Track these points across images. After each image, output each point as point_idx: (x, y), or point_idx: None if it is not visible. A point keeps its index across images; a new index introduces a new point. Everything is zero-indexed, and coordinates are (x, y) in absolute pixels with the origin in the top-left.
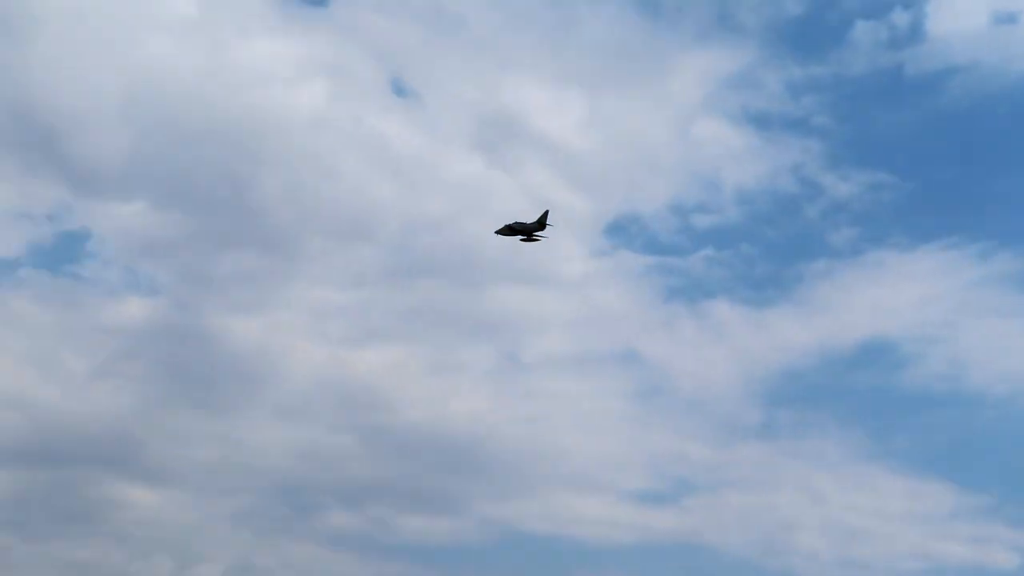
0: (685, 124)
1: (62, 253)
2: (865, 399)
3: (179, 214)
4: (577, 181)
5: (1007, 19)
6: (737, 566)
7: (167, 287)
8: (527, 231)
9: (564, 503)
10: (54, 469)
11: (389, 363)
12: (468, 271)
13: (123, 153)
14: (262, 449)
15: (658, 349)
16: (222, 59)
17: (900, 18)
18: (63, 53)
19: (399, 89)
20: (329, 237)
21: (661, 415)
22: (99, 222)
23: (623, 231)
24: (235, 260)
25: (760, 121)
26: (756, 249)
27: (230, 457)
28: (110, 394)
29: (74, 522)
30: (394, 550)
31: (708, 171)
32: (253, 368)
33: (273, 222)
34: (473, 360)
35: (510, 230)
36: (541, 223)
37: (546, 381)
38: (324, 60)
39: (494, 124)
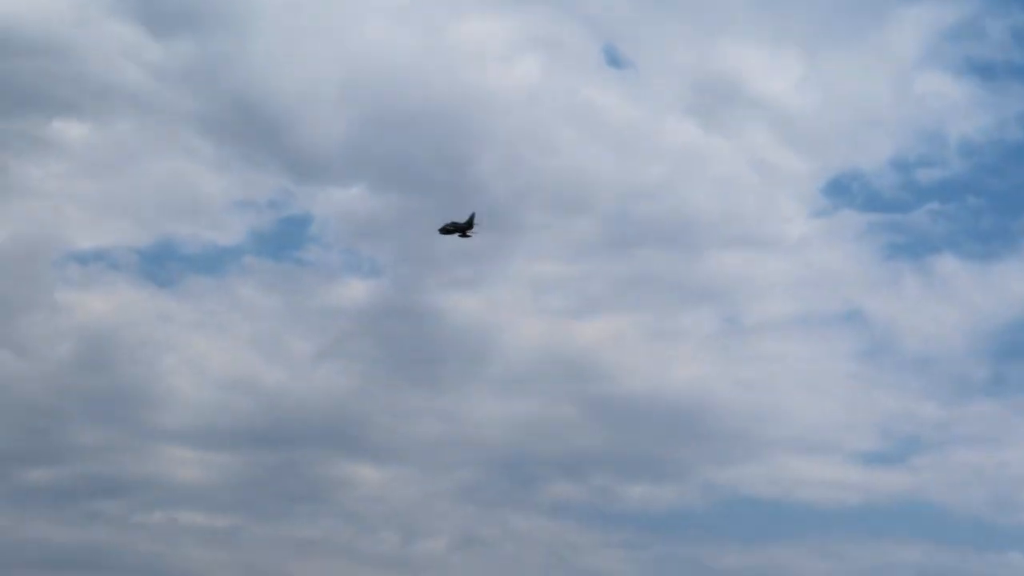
0: (905, 78)
1: (284, 239)
2: None
3: (397, 195)
4: (796, 141)
5: None
6: (967, 525)
7: (387, 267)
8: (461, 229)
9: (789, 466)
10: (282, 450)
11: (609, 333)
12: (686, 237)
13: (341, 138)
14: (484, 423)
15: (882, 307)
16: (436, 39)
17: None
18: (281, 43)
19: (612, 59)
20: (547, 210)
21: (887, 374)
22: (320, 207)
23: (844, 189)
24: (454, 238)
25: (984, 71)
26: (982, 201)
27: (453, 432)
28: (335, 375)
29: (302, 501)
30: (617, 518)
31: (931, 124)
32: (474, 344)
33: (491, 198)
34: (693, 326)
35: (446, 230)
36: (470, 223)
37: (768, 344)
38: (536, 34)
39: (710, 88)
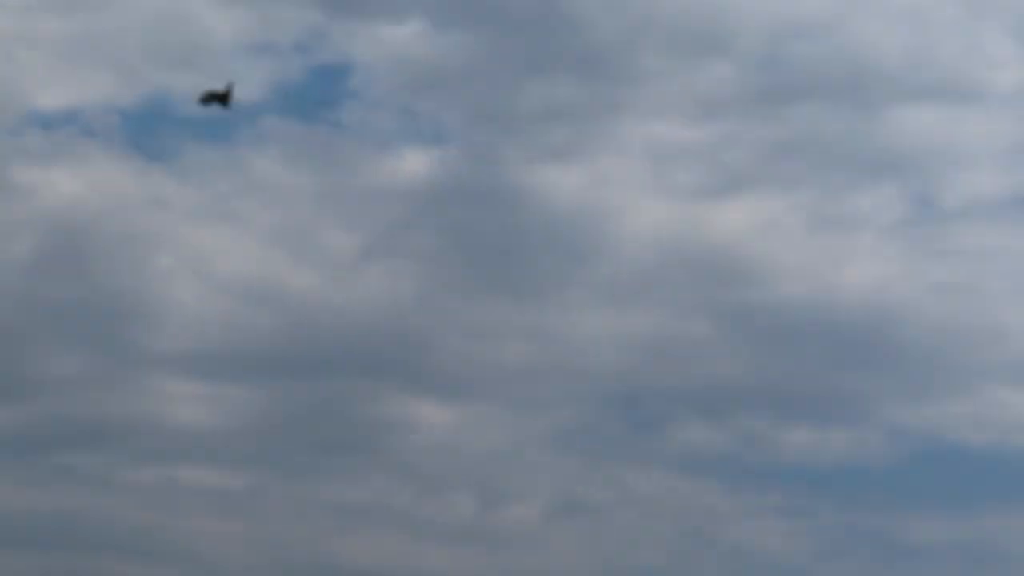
0: None
1: (316, 94)
2: None
3: (468, 34)
4: None
5: None
6: None
7: (455, 132)
8: (220, 98)
9: (1006, 402)
10: (314, 381)
11: (756, 219)
12: (860, 90)
13: None
14: (588, 344)
15: None
16: None
17: None
18: None
19: None
20: (669, 53)
21: None
22: (363, 51)
23: None
24: (544, 91)
25: None
26: None
27: (545, 357)
28: (384, 279)
29: (343, 452)
30: (772, 474)
31: None
32: (572, 234)
33: (593, 37)
34: (872, 210)
35: (204, 100)
36: (228, 93)
37: (974, 234)
38: None
39: None
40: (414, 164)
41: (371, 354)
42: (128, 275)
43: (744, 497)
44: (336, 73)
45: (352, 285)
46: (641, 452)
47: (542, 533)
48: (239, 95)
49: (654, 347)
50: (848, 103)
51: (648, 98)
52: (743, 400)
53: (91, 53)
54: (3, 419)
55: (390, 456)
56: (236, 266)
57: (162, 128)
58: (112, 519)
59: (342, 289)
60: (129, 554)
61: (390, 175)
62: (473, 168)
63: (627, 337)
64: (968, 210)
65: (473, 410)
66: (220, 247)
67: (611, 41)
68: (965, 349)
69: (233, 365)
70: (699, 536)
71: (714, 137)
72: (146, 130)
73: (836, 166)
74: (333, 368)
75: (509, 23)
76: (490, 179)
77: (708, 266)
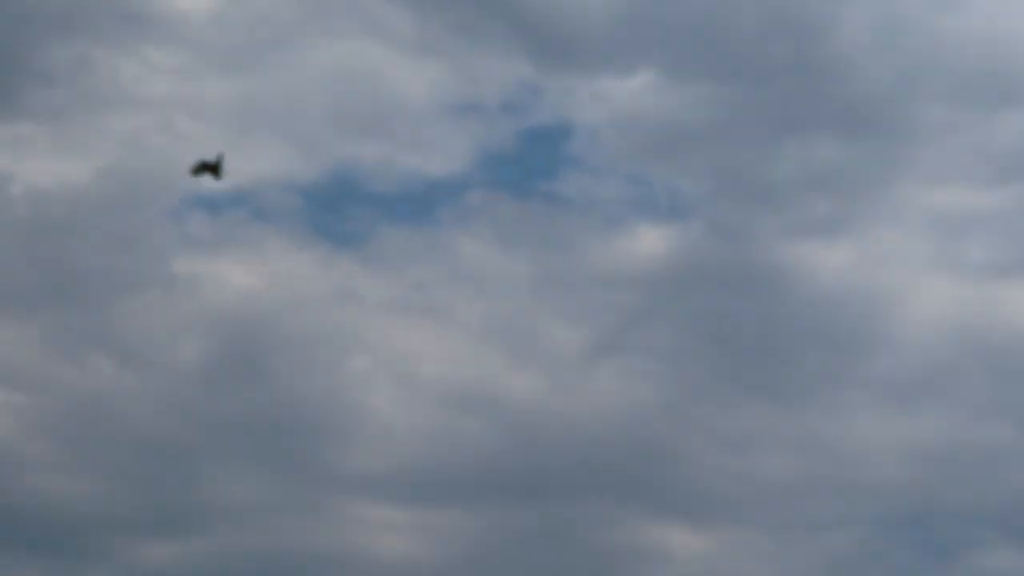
0: None
1: (530, 162)
2: None
3: (709, 87)
4: None
5: None
6: None
7: (697, 204)
8: (211, 169)
9: None
10: (539, 504)
11: None
12: None
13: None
14: (866, 454)
15: None
16: None
17: None
18: None
19: None
20: (955, 103)
21: None
22: (584, 110)
23: None
24: (803, 153)
25: None
26: None
27: (815, 471)
28: (618, 380)
29: None
30: None
31: None
32: (842, 322)
33: (862, 87)
34: None
35: (196, 171)
36: (219, 164)
37: None
38: None
39: None
40: (649, 243)
41: (606, 470)
42: (314, 382)
43: None
44: (552, 137)
45: (580, 388)
46: None
47: None
48: (437, 166)
49: (946, 456)
50: None
51: (930, 158)
52: None
53: (263, 121)
54: (169, 557)
55: None
56: (442, 369)
57: (349, 208)
58: None
59: (568, 393)
60: None
61: (621, 257)
62: (720, 246)
63: (913, 444)
64: None
65: (730, 536)
66: (423, 347)
67: (883, 91)
68: None
69: (442, 487)
70: None
71: (1012, 203)
72: (331, 211)
73: None
74: (561, 488)
75: (758, 73)
76: (741, 259)
77: (1009, 357)
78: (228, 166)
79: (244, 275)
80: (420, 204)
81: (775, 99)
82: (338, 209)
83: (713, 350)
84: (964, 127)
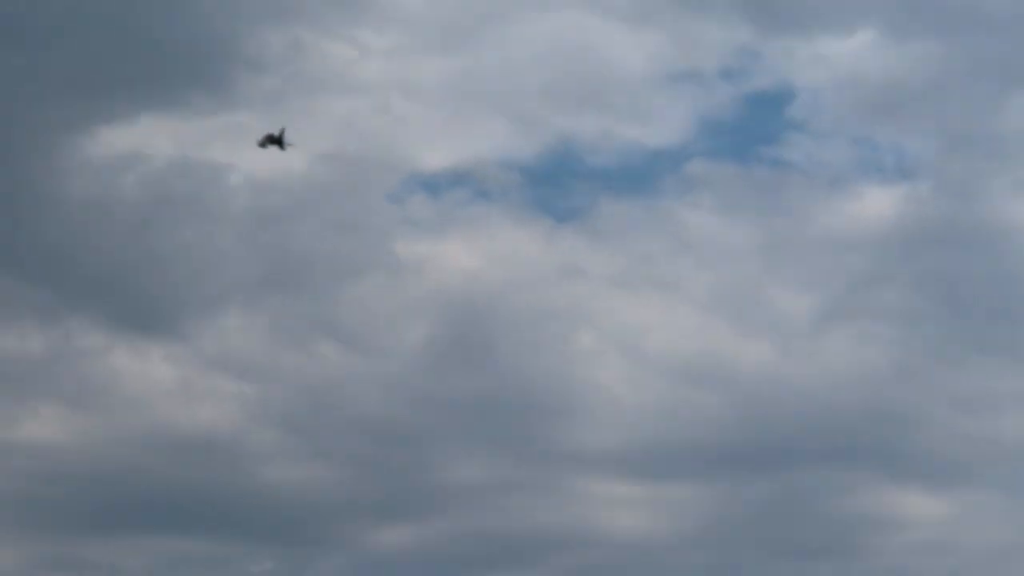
0: None
1: (750, 128)
2: None
3: (933, 43)
4: None
5: None
6: None
7: (925, 163)
8: (276, 141)
9: None
10: (774, 474)
11: None
12: None
13: None
14: None
15: None
16: None
17: None
18: None
19: None
20: None
21: None
22: (805, 72)
23: None
24: None
25: None
26: None
27: None
28: (850, 345)
29: (818, 556)
30: None
31: None
32: None
33: None
34: None
35: (263, 143)
36: (282, 137)
37: None
38: None
39: None
40: (877, 205)
41: (841, 437)
42: (541, 359)
43: None
44: (774, 101)
45: (812, 355)
46: None
47: None
48: (656, 137)
49: None
50: None
51: None
52: None
53: (480, 99)
54: (401, 541)
55: (876, 558)
56: (671, 341)
57: (570, 182)
58: None
59: (800, 361)
60: None
61: (849, 220)
62: (950, 205)
63: None
64: None
65: (971, 499)
66: (649, 320)
67: None
68: None
69: (673, 461)
70: None
71: None
72: (551, 186)
73: None
74: (796, 456)
75: (985, 25)
76: (972, 217)
77: None
78: (440, 144)
79: (467, 255)
80: (641, 175)
81: (1001, 52)
82: (559, 184)
83: (945, 311)
84: None
